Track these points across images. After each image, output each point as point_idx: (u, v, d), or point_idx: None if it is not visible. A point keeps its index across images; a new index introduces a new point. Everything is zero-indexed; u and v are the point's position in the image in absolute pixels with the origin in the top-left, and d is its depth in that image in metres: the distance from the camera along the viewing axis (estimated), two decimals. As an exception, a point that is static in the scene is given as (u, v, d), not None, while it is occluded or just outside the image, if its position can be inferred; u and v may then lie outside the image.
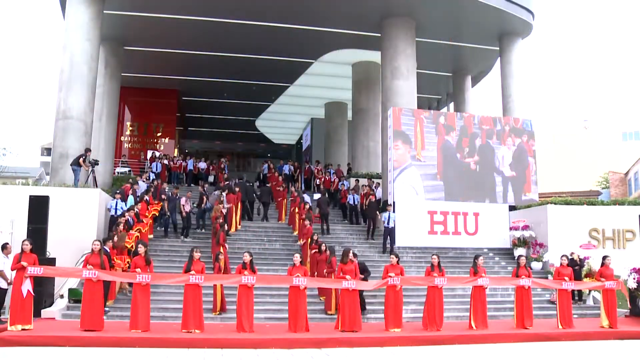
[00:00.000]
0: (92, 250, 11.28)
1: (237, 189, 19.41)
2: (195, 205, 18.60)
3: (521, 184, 19.49)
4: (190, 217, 17.92)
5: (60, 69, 18.71)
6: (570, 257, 13.99)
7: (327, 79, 29.30)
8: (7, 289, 11.08)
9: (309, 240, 15.53)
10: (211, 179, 26.17)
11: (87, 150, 17.02)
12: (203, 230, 18.11)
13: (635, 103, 70.87)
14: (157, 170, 24.37)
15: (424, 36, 23.05)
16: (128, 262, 13.06)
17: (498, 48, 24.18)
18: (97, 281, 10.89)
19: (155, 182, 19.88)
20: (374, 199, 19.31)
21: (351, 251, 12.32)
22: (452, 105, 30.91)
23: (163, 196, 17.73)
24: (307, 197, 20.36)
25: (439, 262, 12.44)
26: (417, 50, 22.29)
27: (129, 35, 24.19)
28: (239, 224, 18.98)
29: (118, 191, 17.07)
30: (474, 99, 29.97)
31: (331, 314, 13.04)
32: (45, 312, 12.26)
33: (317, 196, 20.95)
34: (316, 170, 26.46)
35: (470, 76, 29.07)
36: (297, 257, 11.92)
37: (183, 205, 17.62)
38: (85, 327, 10.53)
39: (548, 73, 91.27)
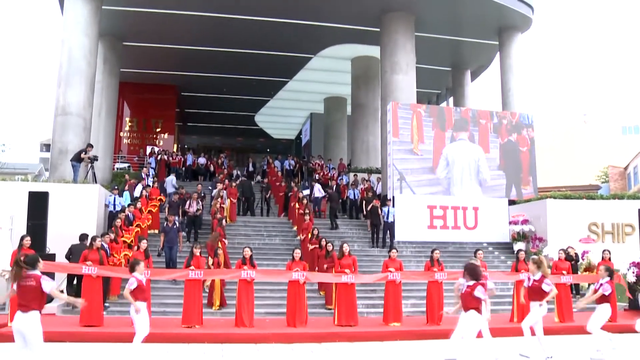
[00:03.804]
0: (92, 246, 11.33)
1: (234, 184, 19.50)
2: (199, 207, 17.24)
3: (519, 178, 19.57)
4: (196, 219, 16.94)
5: (59, 64, 18.70)
6: (566, 251, 13.99)
7: (327, 74, 29.27)
8: None
9: (309, 235, 15.56)
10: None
11: (89, 145, 16.96)
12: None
13: (635, 97, 70.85)
14: (155, 165, 24.39)
15: (423, 31, 23.02)
16: (127, 254, 13.10)
17: (497, 42, 24.16)
18: (96, 277, 10.93)
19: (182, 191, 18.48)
20: (377, 204, 18.19)
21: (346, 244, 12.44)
22: (451, 99, 30.90)
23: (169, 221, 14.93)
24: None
25: (438, 257, 12.47)
26: (417, 44, 22.28)
27: (127, 31, 24.15)
28: (233, 219, 19.02)
29: (116, 187, 17.07)
30: (474, 94, 30.00)
31: (331, 308, 13.06)
32: (45, 308, 12.25)
33: (306, 192, 20.87)
34: (313, 165, 26.62)
35: (470, 71, 29.06)
36: (297, 252, 11.94)
37: (187, 210, 16.82)
38: (85, 323, 10.56)
39: (547, 67, 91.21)
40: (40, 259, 6.76)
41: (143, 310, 7.86)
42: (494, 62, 27.52)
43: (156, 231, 16.75)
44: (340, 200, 21.01)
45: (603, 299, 9.25)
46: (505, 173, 19.44)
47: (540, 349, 8.58)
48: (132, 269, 8.14)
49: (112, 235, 13.18)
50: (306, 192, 20.75)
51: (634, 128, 51.19)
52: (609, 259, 13.37)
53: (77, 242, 12.80)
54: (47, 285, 6.44)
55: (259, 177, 25.96)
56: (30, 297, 6.47)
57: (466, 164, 19.02)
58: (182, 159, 26.10)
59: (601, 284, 9.35)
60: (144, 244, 11.99)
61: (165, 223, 14.93)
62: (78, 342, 9.70)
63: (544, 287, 8.48)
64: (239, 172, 25.45)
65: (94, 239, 11.71)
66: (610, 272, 9.61)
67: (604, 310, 9.20)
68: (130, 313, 7.88)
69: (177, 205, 16.78)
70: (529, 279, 9.00)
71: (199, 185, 19.62)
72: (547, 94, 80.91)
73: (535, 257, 8.61)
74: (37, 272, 6.57)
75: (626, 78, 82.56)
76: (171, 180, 21.07)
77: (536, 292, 8.64)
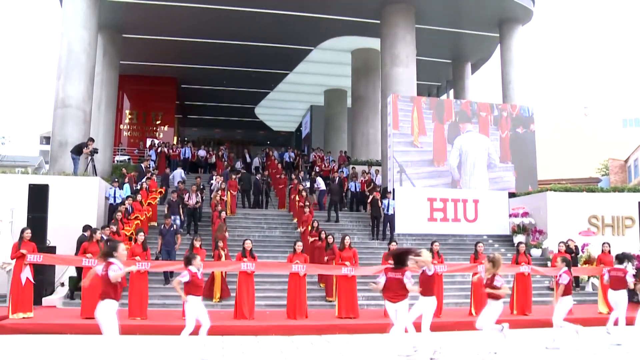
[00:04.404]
0: (92, 238, 11.35)
1: (234, 176, 19.51)
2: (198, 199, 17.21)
3: (519, 170, 19.54)
4: (195, 212, 16.97)
5: (59, 57, 18.66)
6: (566, 244, 13.99)
7: (327, 66, 29.20)
8: None
9: (309, 227, 15.56)
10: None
11: (90, 139, 16.90)
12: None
13: (635, 89, 70.69)
14: (156, 158, 24.39)
15: (423, 23, 22.93)
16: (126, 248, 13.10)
17: (498, 35, 24.07)
18: (96, 269, 10.93)
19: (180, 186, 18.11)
20: (378, 196, 18.17)
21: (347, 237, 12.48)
22: (451, 92, 30.84)
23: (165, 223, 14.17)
24: None
25: (438, 249, 12.49)
26: (417, 37, 22.19)
27: (127, 23, 24.05)
28: (234, 212, 19.04)
29: (116, 179, 17.07)
30: (474, 86, 29.95)
31: (331, 301, 13.09)
32: (46, 300, 12.31)
33: (306, 184, 20.86)
34: (314, 157, 26.58)
35: (470, 63, 28.98)
36: (299, 245, 11.95)
37: (186, 202, 16.79)
38: (86, 315, 10.56)
39: (548, 60, 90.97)
40: (117, 247, 6.54)
41: (195, 305, 7.83)
42: (495, 55, 27.44)
43: (156, 224, 16.74)
44: (343, 193, 21.05)
45: (565, 291, 9.31)
46: (515, 165, 19.41)
47: (486, 344, 8.49)
48: (188, 263, 8.04)
49: (114, 228, 13.19)
50: (306, 184, 20.76)
51: (634, 121, 51.08)
52: (609, 252, 13.37)
53: (81, 234, 12.83)
54: (112, 273, 6.32)
55: (261, 171, 25.94)
56: (105, 286, 6.37)
57: (478, 154, 19.04)
58: (180, 152, 26.07)
59: (560, 275, 9.42)
60: (141, 237, 11.95)
61: (163, 225, 14.14)
62: (79, 334, 9.71)
63: (496, 282, 8.27)
64: (241, 164, 25.44)
65: (94, 231, 11.74)
66: (567, 262, 9.72)
67: (566, 302, 9.37)
68: (184, 307, 7.77)
69: (177, 204, 16.47)
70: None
71: (198, 178, 19.64)
72: (548, 86, 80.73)
73: (491, 255, 8.53)
74: (114, 259, 6.43)
75: (627, 71, 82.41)
76: (180, 173, 21.08)
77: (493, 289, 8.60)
